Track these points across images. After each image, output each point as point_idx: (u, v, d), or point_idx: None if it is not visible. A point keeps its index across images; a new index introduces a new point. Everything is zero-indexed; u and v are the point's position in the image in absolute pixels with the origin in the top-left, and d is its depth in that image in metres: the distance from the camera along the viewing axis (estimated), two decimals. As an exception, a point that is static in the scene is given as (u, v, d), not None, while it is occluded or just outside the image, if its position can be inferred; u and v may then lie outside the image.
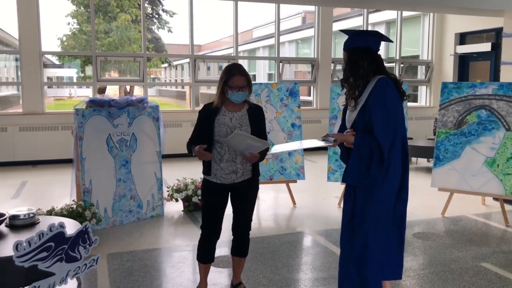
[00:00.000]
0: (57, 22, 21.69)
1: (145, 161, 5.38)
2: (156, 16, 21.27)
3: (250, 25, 22.79)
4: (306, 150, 6.36)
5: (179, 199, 5.66)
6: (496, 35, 10.32)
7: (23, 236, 3.27)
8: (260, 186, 3.54)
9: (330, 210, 5.81)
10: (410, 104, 11.38)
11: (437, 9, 7.61)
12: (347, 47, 2.86)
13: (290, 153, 5.93)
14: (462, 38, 11.19)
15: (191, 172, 7.60)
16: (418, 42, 12.00)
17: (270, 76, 20.53)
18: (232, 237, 3.42)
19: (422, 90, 12.15)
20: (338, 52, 11.23)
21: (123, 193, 5.19)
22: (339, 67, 11.32)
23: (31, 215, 3.53)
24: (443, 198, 5.78)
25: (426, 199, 6.15)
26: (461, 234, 4.93)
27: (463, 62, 11.21)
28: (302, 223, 5.32)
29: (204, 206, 3.31)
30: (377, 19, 12.73)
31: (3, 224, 3.38)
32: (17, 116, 8.82)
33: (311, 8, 11.56)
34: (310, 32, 17.97)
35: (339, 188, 6.27)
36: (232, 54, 10.28)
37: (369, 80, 2.80)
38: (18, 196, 6.46)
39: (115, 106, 5.07)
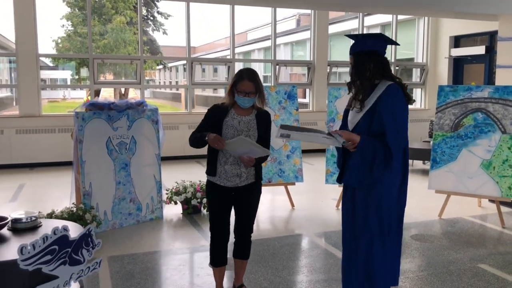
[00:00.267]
0: (51, 24, 21.67)
1: (145, 164, 5.40)
2: (151, 18, 21.30)
3: (245, 27, 22.89)
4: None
5: (178, 201, 5.68)
6: (490, 38, 10.44)
7: (26, 240, 3.28)
8: (260, 189, 3.56)
9: (329, 213, 5.85)
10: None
11: (432, 13, 7.70)
12: (353, 50, 2.90)
13: (288, 156, 5.97)
14: (457, 41, 11.29)
15: (188, 174, 7.63)
16: (413, 45, 12.09)
17: (265, 78, 20.59)
18: (234, 239, 3.44)
19: (417, 93, 12.25)
20: (334, 55, 11.31)
21: (123, 196, 5.20)
22: (334, 69, 11.39)
23: (33, 218, 3.53)
24: (439, 200, 5.84)
25: (422, 201, 6.21)
26: (458, 235, 4.98)
27: (458, 65, 11.31)
28: (301, 225, 5.35)
29: (210, 209, 3.34)
30: (372, 22, 12.83)
31: (5, 228, 3.38)
32: (13, 119, 8.80)
33: (306, 10, 11.63)
34: (305, 35, 18.05)
35: (336, 190, 6.32)
36: (228, 57, 10.31)
37: (377, 84, 2.83)
38: (16, 199, 6.45)
39: (114, 109, 5.09)
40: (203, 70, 23.92)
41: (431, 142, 8.11)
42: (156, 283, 3.80)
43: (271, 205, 6.23)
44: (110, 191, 5.11)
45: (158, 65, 23.44)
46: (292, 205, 6.03)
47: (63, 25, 19.19)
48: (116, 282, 3.78)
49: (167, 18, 21.72)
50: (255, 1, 5.64)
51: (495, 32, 9.88)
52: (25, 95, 8.78)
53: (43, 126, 8.78)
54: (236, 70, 9.97)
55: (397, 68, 11.68)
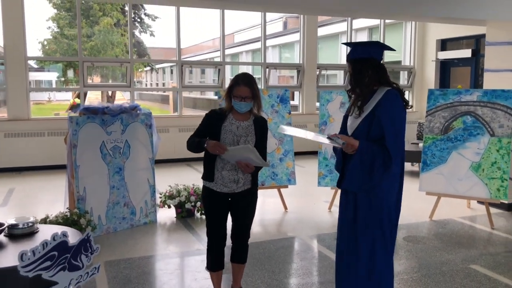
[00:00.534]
0: (38, 25, 21.44)
1: (138, 168, 5.40)
2: (138, 20, 21.21)
3: (232, 29, 22.89)
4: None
5: (171, 205, 5.69)
6: (476, 42, 10.62)
7: (23, 246, 3.27)
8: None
9: (321, 215, 5.91)
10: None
11: (421, 18, 7.81)
12: (351, 58, 2.95)
13: (281, 159, 6.02)
14: (443, 44, 11.47)
15: (179, 177, 7.64)
16: (401, 48, 12.24)
17: (253, 79, 20.61)
18: (231, 244, 3.45)
19: (405, 95, 12.38)
20: (322, 57, 11.38)
21: (117, 200, 5.19)
22: (323, 72, 11.47)
23: (30, 224, 3.52)
24: (428, 201, 5.94)
25: (413, 202, 6.30)
26: (450, 237, 5.08)
27: (444, 68, 11.49)
28: (295, 228, 5.40)
29: (207, 214, 3.34)
30: (360, 25, 12.96)
31: (2, 234, 3.37)
32: (2, 122, 8.71)
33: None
34: (292, 38, 18.14)
35: (328, 193, 6.39)
36: (217, 59, 10.33)
37: (375, 89, 2.89)
38: (7, 204, 6.39)
39: (108, 113, 5.08)
40: (190, 72, 23.88)
41: (420, 144, 8.27)
42: (153, 287, 3.81)
43: (264, 208, 6.27)
44: (104, 195, 5.10)
45: (145, 66, 23.35)
46: (285, 207, 6.08)
47: (49, 27, 19.03)
48: (113, 286, 3.78)
49: (154, 20, 21.65)
50: (245, 6, 5.68)
51: (481, 36, 10.06)
52: (14, 98, 8.70)
53: (32, 129, 8.71)
54: (226, 73, 9.89)
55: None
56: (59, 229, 3.75)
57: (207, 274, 3.93)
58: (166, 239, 5.06)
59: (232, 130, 3.18)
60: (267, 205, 6.29)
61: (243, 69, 21.00)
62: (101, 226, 5.06)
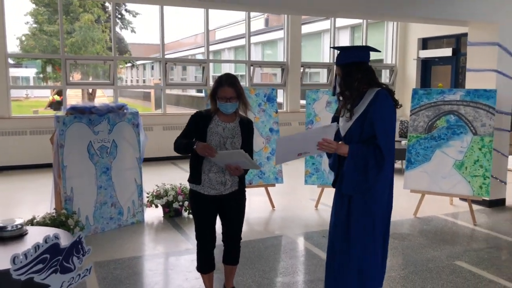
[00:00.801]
0: (14, 20, 21.00)
1: (126, 167, 5.37)
2: (119, 16, 20.97)
3: (213, 25, 22.80)
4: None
5: (159, 205, 5.67)
6: (456, 41, 10.82)
7: (12, 249, 3.24)
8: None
9: (308, 213, 5.97)
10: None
11: (403, 19, 7.92)
12: (340, 62, 2.99)
13: (268, 158, 6.05)
14: (424, 43, 11.65)
15: (164, 176, 7.61)
16: (382, 46, 12.39)
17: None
18: (222, 246, 3.42)
19: (394, 95, 12.54)
20: (305, 55, 11.41)
21: (104, 200, 5.16)
22: (307, 70, 11.54)
23: (19, 226, 3.48)
24: (412, 198, 6.04)
25: (397, 200, 6.36)
26: (434, 233, 5.19)
27: (426, 66, 11.67)
28: (282, 226, 5.44)
29: (195, 218, 3.31)
30: (343, 24, 13.05)
31: (-10, 237, 3.33)
32: (-18, 121, 8.54)
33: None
34: (275, 35, 18.18)
35: (315, 191, 6.45)
36: (200, 57, 10.30)
37: (365, 91, 2.94)
38: (-11, 204, 6.28)
39: (95, 113, 5.04)
40: (172, 69, 23.74)
41: (402, 142, 8.40)
42: (145, 288, 3.81)
43: (252, 207, 6.29)
44: (92, 195, 5.06)
45: (126, 63, 23.12)
46: (273, 206, 6.12)
47: (27, 22, 18.67)
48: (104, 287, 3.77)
49: (135, 16, 21.44)
50: (229, 6, 5.67)
51: (462, 35, 10.27)
52: (-6, 97, 8.54)
53: (13, 128, 8.56)
54: (210, 71, 9.78)
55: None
56: (47, 230, 3.73)
57: (198, 274, 3.93)
58: (155, 239, 5.05)
59: (218, 131, 3.17)
60: (255, 204, 6.32)
61: (226, 66, 20.97)
62: (88, 227, 5.02)
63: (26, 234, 3.50)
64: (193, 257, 4.40)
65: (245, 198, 3.41)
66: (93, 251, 4.51)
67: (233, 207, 3.31)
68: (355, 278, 2.97)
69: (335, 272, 3.09)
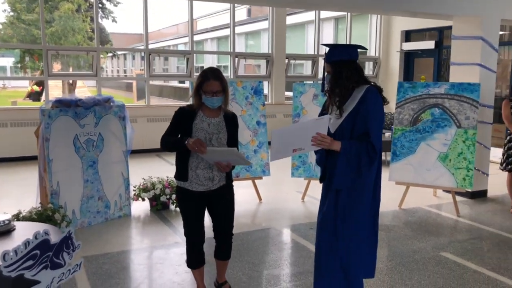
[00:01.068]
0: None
1: (112, 161, 5.33)
2: (100, 5, 20.64)
3: (195, 15, 22.58)
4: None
5: (146, 198, 5.65)
6: (439, 34, 10.94)
7: (0, 245, 3.19)
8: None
9: (295, 205, 6.01)
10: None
11: (387, 13, 7.96)
12: (330, 59, 3.00)
13: (255, 151, 6.07)
14: (408, 36, 11.75)
15: (150, 169, 7.57)
16: (366, 38, 12.46)
17: (219, 68, 20.48)
18: (214, 241, 3.41)
19: (383, 93, 12.65)
20: (289, 47, 11.37)
21: (91, 194, 5.12)
22: (292, 62, 11.54)
23: (6, 222, 3.43)
24: (396, 190, 6.12)
25: (382, 192, 6.46)
26: (419, 225, 5.28)
27: (409, 59, 11.79)
28: (270, 219, 5.48)
29: (183, 215, 3.29)
30: (328, 15, 13.08)
31: (-22, 233, 3.27)
32: (-39, 113, 8.35)
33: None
34: (258, 26, 18.13)
35: (302, 183, 6.49)
36: (182, 46, 10.22)
37: (354, 88, 2.96)
38: (-29, 199, 6.17)
39: (81, 106, 4.98)
40: (153, 59, 23.47)
41: (386, 134, 8.49)
42: (136, 282, 3.80)
43: (239, 199, 6.26)
44: (78, 189, 5.01)
45: (108, 53, 22.80)
46: (260, 198, 6.15)
47: (5, 10, 18.26)
48: (94, 283, 3.75)
49: (116, 6, 21.14)
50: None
51: (444, 28, 10.39)
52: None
53: (-7, 120, 8.40)
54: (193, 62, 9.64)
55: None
56: (35, 226, 3.68)
57: (187, 267, 3.96)
58: (142, 232, 5.03)
59: (203, 127, 3.14)
60: (242, 196, 6.33)
61: (208, 57, 20.84)
62: (75, 221, 4.97)
63: (14, 230, 3.45)
64: (182, 250, 4.42)
65: (233, 192, 3.40)
66: (82, 245, 4.49)
67: (221, 202, 3.30)
68: (341, 273, 3.02)
69: (322, 268, 3.12)
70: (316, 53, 11.62)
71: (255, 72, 15.83)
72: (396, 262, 4.22)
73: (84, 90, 21.30)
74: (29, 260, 2.68)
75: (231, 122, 3.26)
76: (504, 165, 5.76)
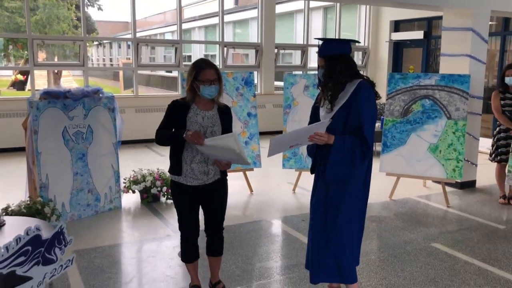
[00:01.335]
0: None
1: (102, 153, 5.26)
2: (85, -7, 20.27)
3: (182, 2, 22.28)
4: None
5: (136, 190, 5.60)
6: (427, 24, 10.96)
7: (-11, 240, 3.14)
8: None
9: (286, 197, 6.01)
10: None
11: (378, 3, 7.95)
12: (324, 54, 2.98)
13: (246, 142, 6.04)
14: (397, 26, 11.76)
15: (139, 161, 7.51)
16: (355, 28, 12.44)
17: (206, 57, 20.31)
18: (205, 237, 3.38)
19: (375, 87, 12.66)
20: (278, 36, 11.29)
21: (81, 186, 5.05)
22: (282, 52, 11.49)
23: (-4, 217, 3.38)
24: (387, 181, 6.16)
25: (372, 183, 6.49)
26: (410, 216, 5.32)
27: (397, 49, 11.81)
28: (262, 211, 5.47)
29: (178, 209, 3.26)
30: (316, 4, 12.99)
31: (-33, 228, 3.22)
32: None
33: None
34: (246, 15, 17.96)
35: (292, 174, 6.50)
36: (169, 35, 10.09)
37: (346, 83, 2.96)
38: (-43, 191, 6.06)
39: (70, 97, 4.89)
40: (140, 48, 23.16)
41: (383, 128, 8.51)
42: (128, 276, 3.77)
43: (230, 191, 6.16)
44: (68, 182, 4.95)
45: (93, 42, 22.46)
46: (251, 190, 6.14)
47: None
48: (86, 277, 3.71)
49: (102, -7, 20.75)
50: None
51: (433, 18, 10.42)
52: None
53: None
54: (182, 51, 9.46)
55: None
56: (25, 220, 3.63)
57: (180, 260, 3.93)
58: (134, 225, 4.99)
59: (197, 121, 3.09)
60: (233, 188, 6.26)
61: (196, 46, 20.63)
62: (65, 214, 4.92)
63: (4, 224, 3.40)
64: (174, 243, 4.40)
65: (227, 187, 3.38)
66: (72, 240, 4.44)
67: (215, 197, 3.27)
68: (336, 269, 3.03)
69: (315, 265, 3.12)
70: (305, 42, 11.57)
71: (243, 62, 15.73)
72: (388, 254, 4.24)
73: (70, 79, 20.99)
74: (20, 256, 2.65)
75: (225, 114, 3.23)
76: (493, 156, 5.82)
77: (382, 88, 6.24)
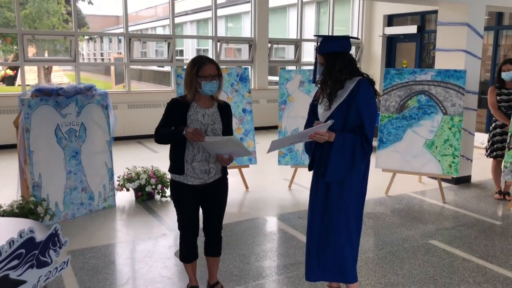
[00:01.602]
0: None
1: (95, 151, 5.18)
2: (75, -14, 20.04)
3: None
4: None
5: (130, 188, 5.53)
6: (421, 18, 10.94)
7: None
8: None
9: (282, 194, 5.97)
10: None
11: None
12: (323, 51, 2.93)
13: (242, 139, 5.98)
14: (390, 20, 11.72)
15: (133, 157, 7.43)
16: (348, 22, 12.39)
17: (198, 52, 20.17)
18: (203, 237, 3.34)
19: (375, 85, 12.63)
20: (271, 31, 11.21)
21: (74, 185, 4.98)
22: (275, 46, 11.41)
23: (-11, 218, 3.30)
24: (383, 177, 6.13)
25: (369, 179, 6.49)
26: (406, 212, 5.30)
27: (391, 43, 11.78)
28: (258, 208, 5.42)
29: (178, 209, 3.21)
30: (309, -1, 12.94)
31: (-43, 230, 3.14)
32: None
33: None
34: (238, 9, 17.85)
35: (288, 171, 6.46)
36: (160, 29, 9.99)
37: (346, 80, 2.91)
38: None
39: (63, 94, 4.80)
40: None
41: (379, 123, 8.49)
42: (124, 277, 3.72)
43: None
44: (61, 181, 4.87)
45: (84, 36, 22.21)
46: (246, 187, 6.09)
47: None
48: (81, 279, 3.65)
49: (92, -13, 20.51)
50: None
51: (426, 12, 10.39)
52: None
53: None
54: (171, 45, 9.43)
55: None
56: (17, 221, 3.56)
57: (177, 260, 3.90)
58: (128, 224, 4.92)
59: (198, 119, 3.05)
60: (228, 185, 6.26)
61: (188, 41, 20.48)
62: (58, 213, 4.84)
63: (-4, 226, 3.33)
64: (170, 243, 4.35)
65: (228, 186, 3.34)
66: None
67: (215, 196, 3.23)
68: (336, 268, 3.01)
69: (314, 266, 3.09)
70: (299, 37, 11.50)
71: (236, 56, 15.65)
72: (386, 251, 4.22)
73: (61, 74, 20.76)
74: (14, 259, 2.58)
75: (225, 111, 3.19)
76: (489, 151, 5.81)
77: (376, 83, 6.19)
